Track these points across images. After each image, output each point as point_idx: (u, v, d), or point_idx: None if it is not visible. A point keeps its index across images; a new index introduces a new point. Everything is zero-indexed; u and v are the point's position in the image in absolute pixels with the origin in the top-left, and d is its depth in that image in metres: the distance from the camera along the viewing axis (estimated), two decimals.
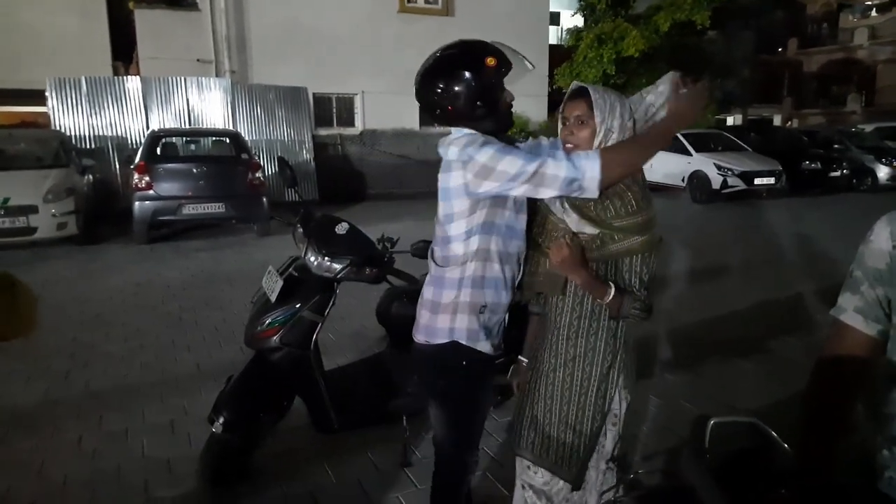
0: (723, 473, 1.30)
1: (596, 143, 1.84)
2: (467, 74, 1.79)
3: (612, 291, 1.83)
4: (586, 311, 1.93)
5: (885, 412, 1.27)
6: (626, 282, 1.85)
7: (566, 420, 1.99)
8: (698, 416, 1.36)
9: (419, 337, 1.98)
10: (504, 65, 1.83)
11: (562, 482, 2.02)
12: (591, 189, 1.69)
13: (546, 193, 1.75)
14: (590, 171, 1.68)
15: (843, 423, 1.31)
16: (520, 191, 1.74)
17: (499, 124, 1.89)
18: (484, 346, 1.92)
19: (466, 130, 1.87)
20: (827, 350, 1.35)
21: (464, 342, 1.89)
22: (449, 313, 1.89)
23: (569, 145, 1.88)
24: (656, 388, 3.77)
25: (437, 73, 1.84)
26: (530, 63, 1.90)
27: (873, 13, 29.87)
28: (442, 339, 1.91)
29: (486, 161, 1.73)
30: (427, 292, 1.96)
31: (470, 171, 1.75)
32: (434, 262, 1.96)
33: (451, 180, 1.81)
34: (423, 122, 14.39)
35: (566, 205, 1.86)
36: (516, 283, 1.99)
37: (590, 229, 1.83)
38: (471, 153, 1.75)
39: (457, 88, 1.80)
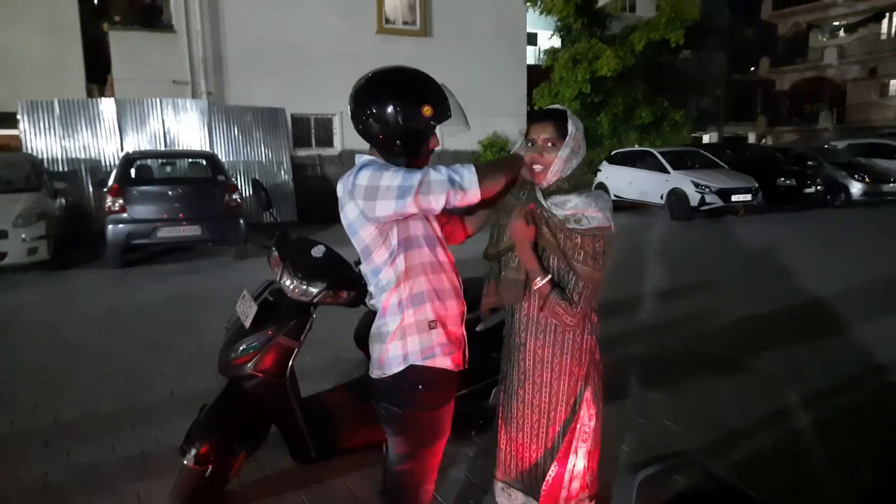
0: None
1: (555, 168, 1.87)
2: (397, 111, 1.75)
3: (546, 279, 1.86)
4: (551, 324, 1.92)
5: None
6: (558, 279, 1.89)
7: (536, 438, 1.96)
8: (633, 465, 1.31)
9: (375, 372, 1.92)
10: (440, 114, 1.81)
11: None
12: (472, 189, 1.73)
13: (436, 202, 1.72)
14: (467, 173, 1.74)
15: None
16: (413, 206, 1.70)
17: (411, 164, 1.84)
18: (442, 363, 1.85)
19: (365, 157, 1.84)
20: None
21: (420, 363, 1.83)
22: (399, 339, 1.83)
23: (537, 167, 1.91)
24: (637, 408, 3.74)
25: (370, 95, 1.80)
26: (467, 123, 1.91)
27: (841, 33, 30.70)
28: (398, 368, 1.84)
29: (367, 183, 1.71)
30: (374, 326, 1.91)
31: (358, 197, 1.74)
32: (372, 296, 1.92)
33: (348, 214, 1.79)
34: None
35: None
36: (460, 291, 1.95)
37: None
38: (352, 181, 1.75)
39: (382, 120, 1.77)
